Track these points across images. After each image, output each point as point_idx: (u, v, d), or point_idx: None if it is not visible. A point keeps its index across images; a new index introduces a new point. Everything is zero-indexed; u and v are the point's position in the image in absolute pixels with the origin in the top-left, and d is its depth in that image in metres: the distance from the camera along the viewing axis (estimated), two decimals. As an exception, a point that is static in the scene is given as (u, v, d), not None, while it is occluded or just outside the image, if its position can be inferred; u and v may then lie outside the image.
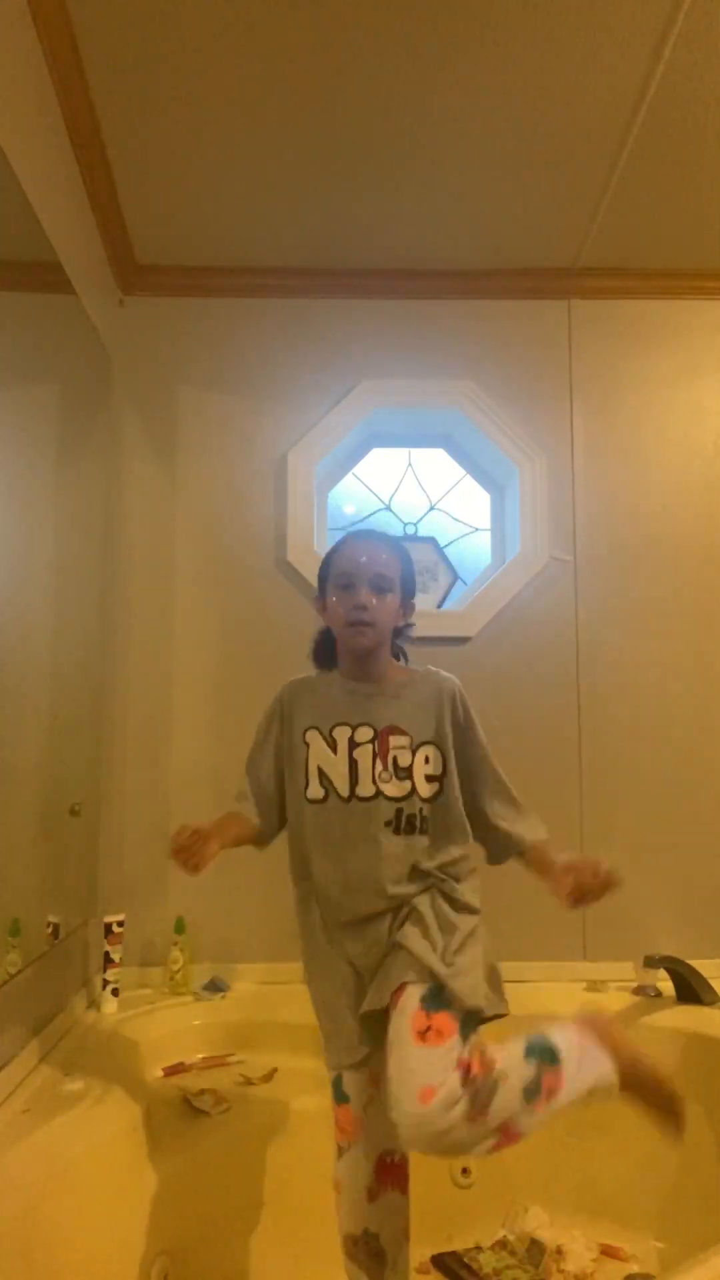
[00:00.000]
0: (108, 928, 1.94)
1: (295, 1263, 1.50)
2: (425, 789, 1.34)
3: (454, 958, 1.25)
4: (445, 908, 1.30)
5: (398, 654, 1.46)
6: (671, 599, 2.27)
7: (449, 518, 2.45)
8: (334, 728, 1.35)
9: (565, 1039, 1.22)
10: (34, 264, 1.64)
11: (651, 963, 2.00)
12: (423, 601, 1.68)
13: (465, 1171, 1.69)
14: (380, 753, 1.33)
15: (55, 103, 1.68)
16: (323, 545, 2.34)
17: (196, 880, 2.10)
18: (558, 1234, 1.68)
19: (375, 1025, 1.25)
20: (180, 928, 2.05)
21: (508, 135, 1.82)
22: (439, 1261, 1.58)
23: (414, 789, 1.33)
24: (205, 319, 2.30)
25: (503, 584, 2.24)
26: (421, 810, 1.33)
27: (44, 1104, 1.37)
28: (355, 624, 1.32)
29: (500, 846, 1.40)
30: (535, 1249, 1.63)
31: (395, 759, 1.33)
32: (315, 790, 1.33)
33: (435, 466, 2.48)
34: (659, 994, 1.98)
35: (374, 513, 2.45)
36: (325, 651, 1.46)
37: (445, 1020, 1.17)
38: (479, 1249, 1.63)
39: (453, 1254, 1.60)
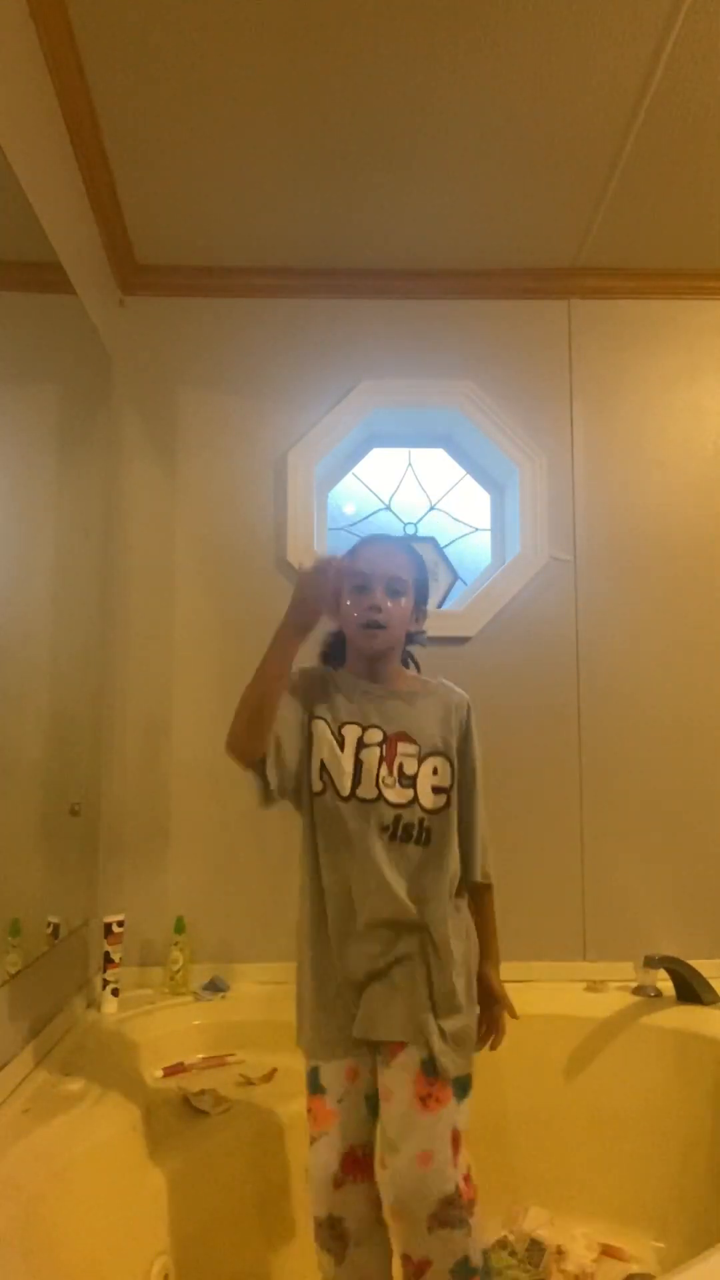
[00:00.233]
0: (108, 928, 1.94)
1: (295, 1262, 1.50)
2: (430, 800, 1.34)
3: (451, 1022, 1.28)
4: (447, 956, 1.30)
5: (407, 661, 1.46)
6: (671, 599, 2.27)
7: (449, 518, 2.45)
8: (343, 725, 1.34)
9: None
10: (34, 264, 1.64)
11: (651, 963, 2.00)
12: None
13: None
14: (387, 757, 1.33)
15: (55, 103, 1.68)
16: (323, 545, 2.34)
17: (196, 880, 2.13)
18: (558, 1234, 1.68)
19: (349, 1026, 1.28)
20: (180, 928, 2.05)
21: (508, 135, 1.82)
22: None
23: (415, 798, 1.33)
24: (205, 319, 2.30)
25: (503, 584, 2.24)
26: (422, 820, 1.33)
27: (44, 1104, 1.37)
28: (369, 625, 1.33)
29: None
30: (535, 1249, 1.63)
31: (401, 765, 1.33)
32: (315, 783, 1.33)
33: (435, 466, 2.48)
34: (659, 994, 1.98)
35: (374, 513, 2.45)
36: (335, 654, 1.45)
37: (443, 1088, 1.25)
38: (479, 1249, 1.63)
39: (453, 1254, 1.60)
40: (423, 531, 2.44)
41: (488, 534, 2.45)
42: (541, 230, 2.15)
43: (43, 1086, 1.45)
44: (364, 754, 1.33)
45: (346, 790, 1.31)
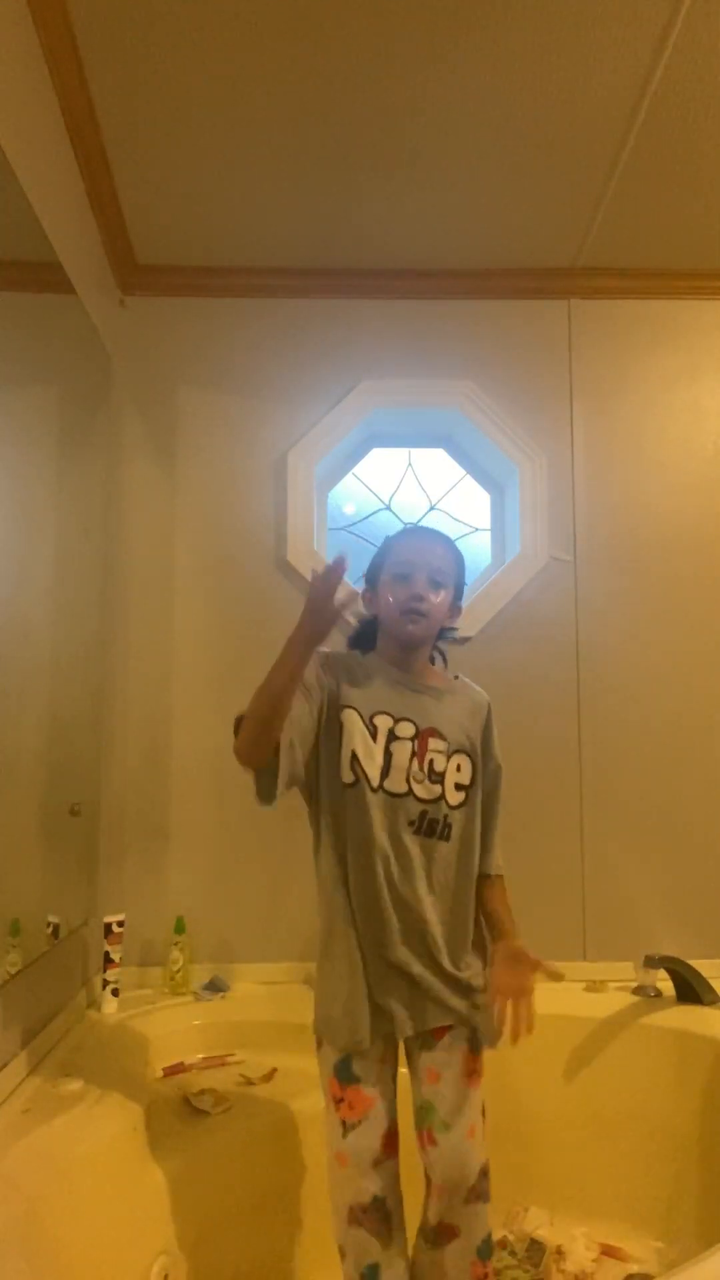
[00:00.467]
0: (108, 928, 1.94)
1: (295, 1262, 1.50)
2: (454, 797, 1.35)
3: (483, 997, 1.32)
4: (471, 941, 1.35)
5: (433, 656, 1.47)
6: (671, 599, 2.27)
7: (449, 518, 2.45)
8: (375, 715, 1.33)
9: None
10: (34, 264, 1.64)
11: (651, 963, 2.00)
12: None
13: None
14: (418, 752, 1.33)
15: (55, 103, 1.68)
16: (323, 545, 2.34)
17: (196, 880, 2.13)
18: (558, 1234, 1.68)
19: (387, 1016, 1.29)
20: (180, 928, 2.05)
21: (508, 135, 1.82)
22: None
23: (443, 794, 1.33)
24: (205, 319, 2.30)
25: (503, 584, 2.24)
26: (446, 817, 1.34)
27: (44, 1104, 1.37)
28: (410, 613, 1.33)
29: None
30: (535, 1249, 1.64)
31: (431, 761, 1.34)
32: (345, 774, 1.31)
33: (435, 466, 2.48)
34: (659, 994, 1.98)
35: (374, 513, 2.45)
36: (365, 640, 1.45)
37: (479, 1063, 1.33)
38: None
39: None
40: (423, 531, 2.44)
41: (488, 534, 2.45)
42: (541, 230, 2.15)
43: (43, 1086, 1.45)
44: (394, 746, 1.33)
45: (376, 782, 1.31)
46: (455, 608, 1.41)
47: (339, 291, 2.32)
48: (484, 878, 1.40)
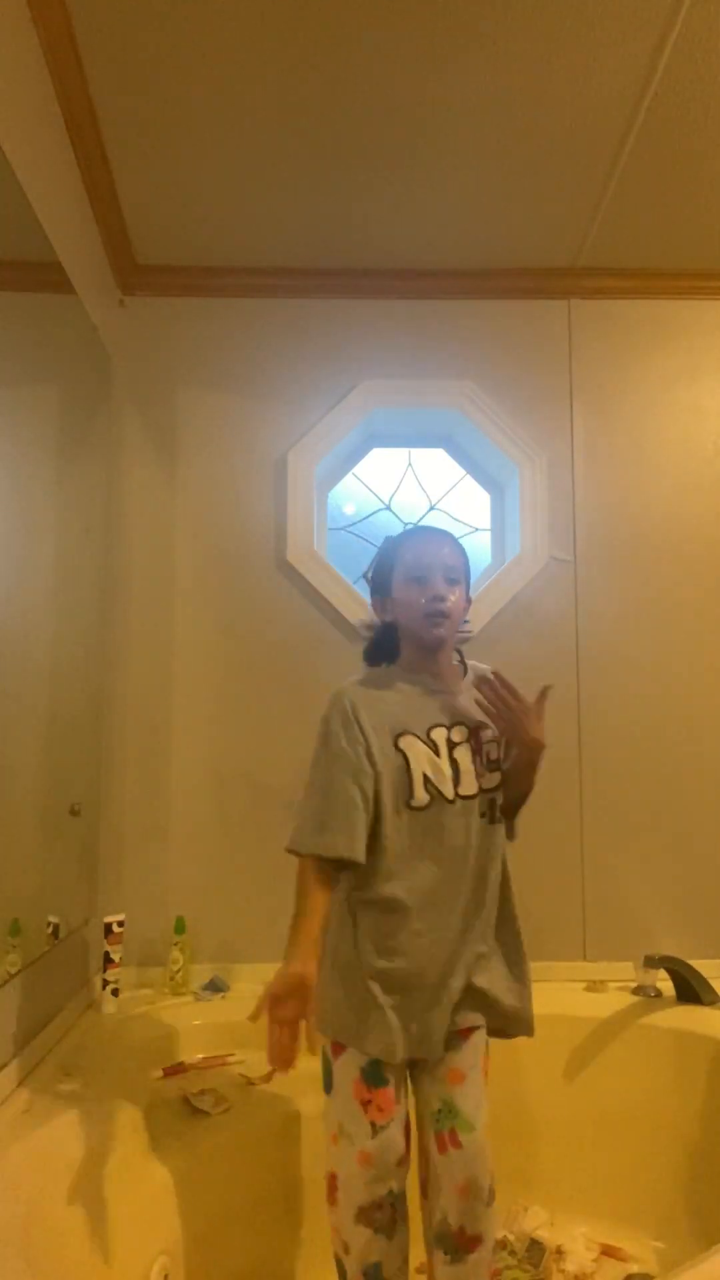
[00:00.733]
0: (108, 928, 1.94)
1: (295, 1262, 1.50)
2: (496, 779, 1.39)
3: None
4: (519, 944, 1.38)
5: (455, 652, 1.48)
6: (671, 599, 2.27)
7: (449, 518, 2.45)
8: (431, 730, 1.35)
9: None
10: (34, 264, 1.64)
11: (651, 963, 2.00)
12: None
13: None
14: (477, 750, 1.36)
15: (55, 103, 1.68)
16: (323, 545, 2.34)
17: (196, 880, 2.13)
18: (558, 1234, 1.68)
19: (427, 1033, 1.30)
20: (180, 928, 2.05)
21: (508, 135, 1.82)
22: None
23: (502, 780, 1.38)
24: (205, 319, 2.30)
25: (503, 584, 2.24)
26: (495, 800, 1.38)
27: (44, 1104, 1.37)
28: (433, 615, 1.34)
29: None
30: (535, 1249, 1.64)
31: (488, 753, 1.37)
32: (420, 796, 1.31)
33: (435, 466, 2.48)
34: (659, 994, 1.98)
35: (374, 513, 2.45)
36: (384, 649, 1.44)
37: (489, 1059, 1.35)
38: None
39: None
40: (423, 531, 2.43)
41: (488, 534, 2.45)
42: (541, 230, 2.15)
43: (43, 1086, 1.45)
44: (458, 754, 1.35)
45: (451, 794, 1.32)
46: (467, 600, 1.43)
47: (339, 291, 2.32)
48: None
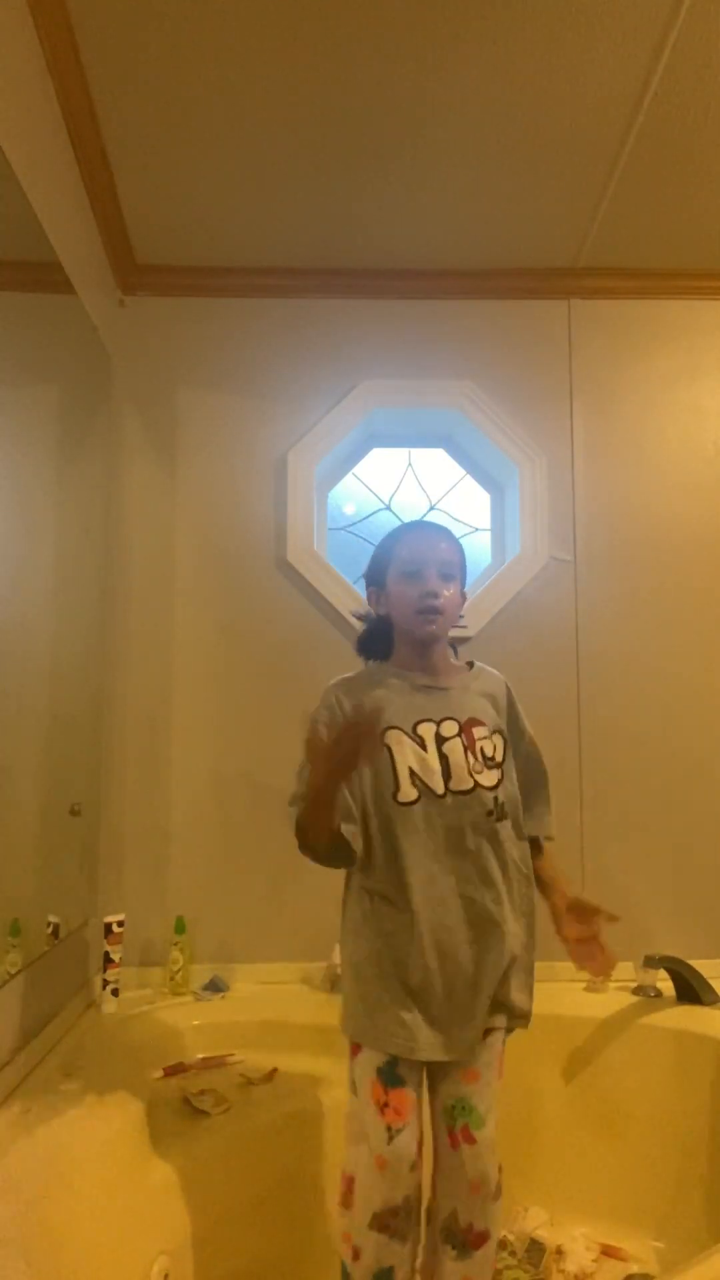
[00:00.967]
0: (108, 928, 1.94)
1: (295, 1262, 1.50)
2: (493, 776, 1.37)
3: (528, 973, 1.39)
4: (531, 943, 1.39)
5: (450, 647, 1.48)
6: (671, 599, 2.27)
7: (449, 518, 2.45)
8: (418, 725, 1.34)
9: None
10: (34, 264, 1.64)
11: (651, 963, 2.00)
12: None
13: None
14: (469, 745, 1.34)
15: (55, 103, 1.68)
16: (323, 545, 2.34)
17: (196, 880, 2.13)
18: (558, 1234, 1.68)
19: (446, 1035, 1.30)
20: (180, 928, 2.05)
21: (507, 135, 1.82)
22: (439, 1261, 1.58)
23: (502, 777, 1.36)
24: (205, 319, 2.30)
25: (503, 584, 2.24)
26: (504, 795, 1.37)
27: (44, 1104, 1.37)
28: (426, 611, 1.33)
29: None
30: (535, 1249, 1.64)
31: (482, 749, 1.35)
32: (408, 792, 1.31)
33: (435, 466, 2.48)
34: (659, 994, 1.98)
35: (374, 513, 2.45)
36: (377, 643, 1.45)
37: (502, 1055, 1.35)
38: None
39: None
40: (423, 531, 2.43)
41: (488, 534, 2.45)
42: (541, 230, 2.15)
43: (43, 1086, 1.45)
44: (447, 748, 1.33)
45: (441, 788, 1.32)
46: (463, 596, 1.42)
47: (339, 291, 2.32)
48: (535, 844, 1.43)
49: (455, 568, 1.37)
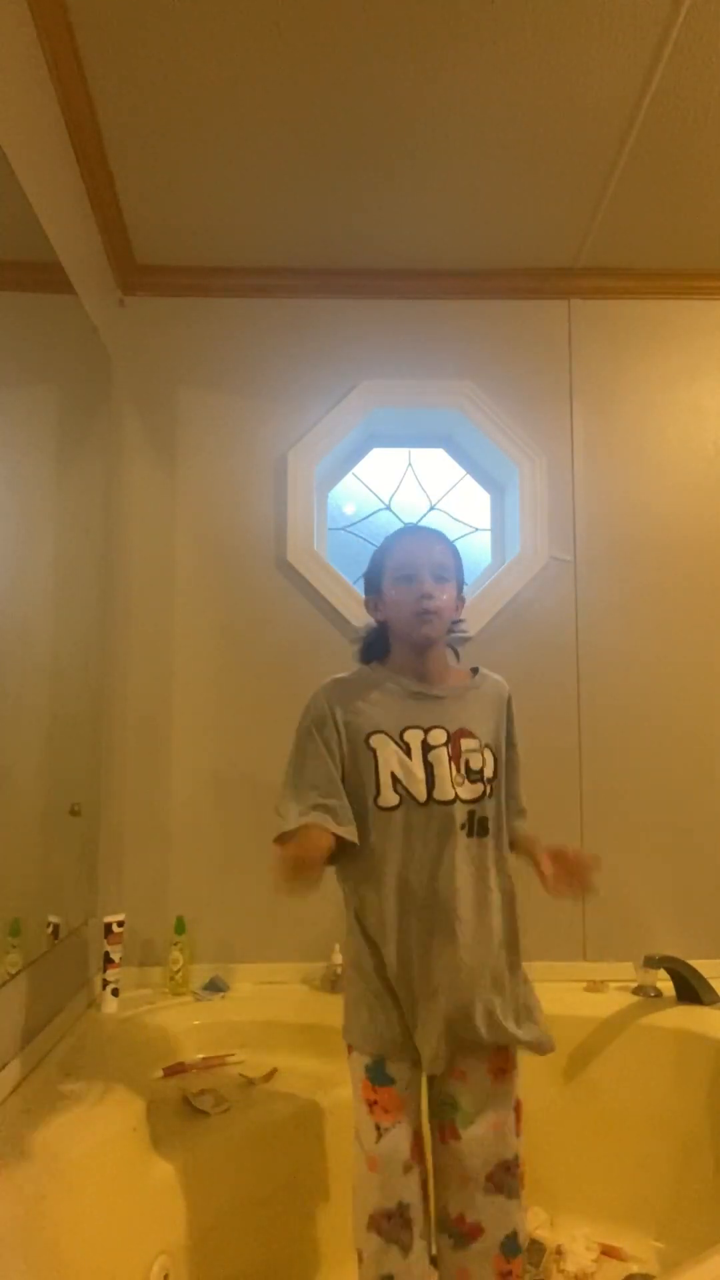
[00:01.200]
0: (108, 928, 1.94)
1: (295, 1262, 1.50)
2: (487, 790, 1.36)
3: (524, 991, 1.37)
4: (518, 964, 1.37)
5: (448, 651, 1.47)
6: (671, 599, 2.27)
7: (449, 518, 2.45)
8: (404, 731, 1.33)
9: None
10: (34, 264, 1.64)
11: (651, 963, 2.00)
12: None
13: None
14: (454, 756, 1.33)
15: (55, 103, 1.68)
16: (323, 545, 2.35)
17: (196, 880, 2.13)
18: (558, 1234, 1.68)
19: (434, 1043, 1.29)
20: (180, 928, 2.05)
21: (508, 136, 1.82)
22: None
23: (485, 791, 1.34)
24: (205, 319, 2.30)
25: (502, 584, 2.24)
26: (485, 811, 1.34)
27: (44, 1104, 1.37)
28: (422, 613, 1.33)
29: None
30: (535, 1249, 1.63)
31: (467, 761, 1.34)
32: (388, 797, 1.31)
33: (435, 466, 2.48)
34: (659, 994, 1.98)
35: (374, 513, 2.45)
36: (377, 647, 1.44)
37: (510, 1058, 1.34)
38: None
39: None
40: (423, 531, 2.43)
41: (488, 534, 2.45)
42: (541, 230, 2.15)
43: (43, 1086, 1.45)
44: (432, 757, 1.32)
45: (424, 796, 1.31)
46: (460, 600, 1.41)
47: (339, 291, 2.32)
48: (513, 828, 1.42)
49: (450, 570, 1.37)
